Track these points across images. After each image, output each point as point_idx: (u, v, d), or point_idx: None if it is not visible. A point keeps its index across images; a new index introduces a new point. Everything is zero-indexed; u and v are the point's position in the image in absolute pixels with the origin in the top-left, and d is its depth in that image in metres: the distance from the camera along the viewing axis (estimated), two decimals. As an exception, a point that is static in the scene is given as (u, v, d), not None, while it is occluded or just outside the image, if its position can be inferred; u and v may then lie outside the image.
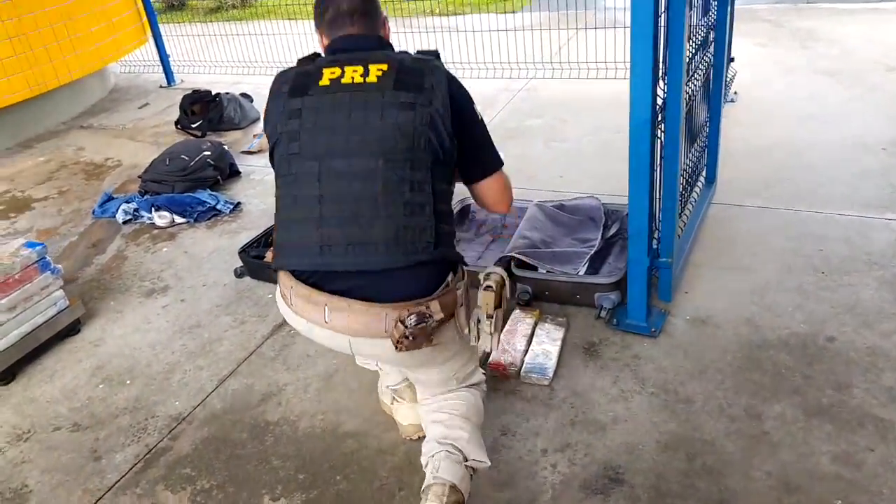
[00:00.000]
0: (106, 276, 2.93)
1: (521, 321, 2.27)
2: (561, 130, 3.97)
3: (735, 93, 4.09)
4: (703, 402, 1.95)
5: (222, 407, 2.13)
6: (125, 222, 3.34)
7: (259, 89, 5.25)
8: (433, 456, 1.58)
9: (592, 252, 2.49)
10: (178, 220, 3.28)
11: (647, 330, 2.21)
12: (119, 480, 1.89)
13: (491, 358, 2.13)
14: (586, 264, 2.44)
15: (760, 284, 2.42)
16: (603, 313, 2.28)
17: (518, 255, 2.43)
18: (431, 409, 1.69)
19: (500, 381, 2.09)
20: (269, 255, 2.77)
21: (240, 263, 2.80)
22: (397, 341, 1.43)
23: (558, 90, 4.59)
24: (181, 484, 1.87)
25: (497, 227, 2.92)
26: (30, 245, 2.35)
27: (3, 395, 2.26)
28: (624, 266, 2.39)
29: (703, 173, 2.94)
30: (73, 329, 2.52)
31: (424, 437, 1.71)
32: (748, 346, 2.14)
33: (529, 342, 2.18)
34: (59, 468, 1.95)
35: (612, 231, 2.67)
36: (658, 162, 2.14)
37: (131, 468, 1.93)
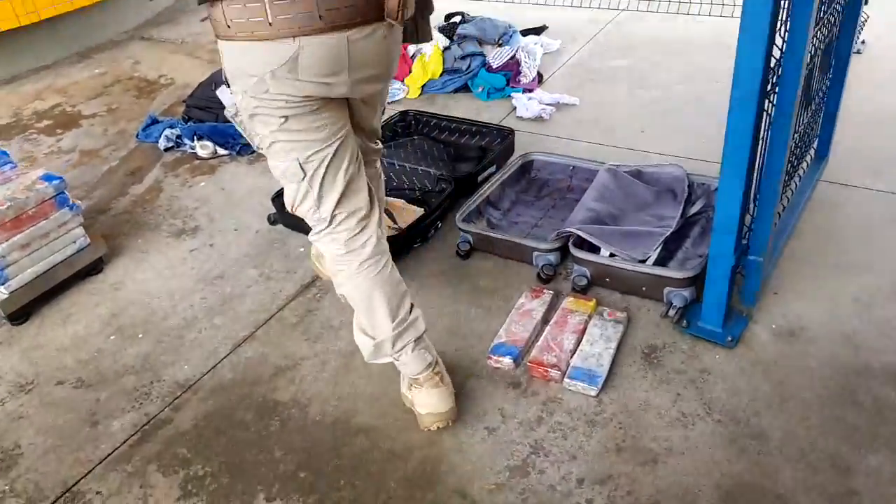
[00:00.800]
0: (138, 210, 2.77)
1: (572, 313, 1.95)
2: (649, 75, 3.46)
3: (863, 42, 3.43)
4: (780, 442, 1.61)
5: (232, 377, 1.95)
6: (167, 149, 3.16)
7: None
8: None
9: (668, 233, 2.11)
10: (221, 151, 3.07)
11: (722, 338, 1.86)
12: (112, 453, 1.75)
13: (532, 354, 1.84)
14: (659, 248, 2.07)
15: (870, 291, 1.99)
16: (671, 312, 1.92)
17: (579, 232, 2.08)
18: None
19: (540, 384, 1.80)
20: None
21: (274, 211, 2.57)
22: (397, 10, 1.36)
23: (652, 26, 4.02)
24: (174, 466, 1.71)
25: (562, 189, 2.55)
26: (47, 178, 2.17)
27: (15, 337, 2.16)
28: (703, 256, 2.01)
29: (814, 145, 2.44)
30: (95, 268, 2.38)
31: (444, 426, 1.68)
32: (845, 373, 1.76)
33: (579, 340, 1.87)
34: (54, 430, 1.83)
35: (696, 208, 2.26)
36: (763, 136, 1.71)
37: (126, 440, 1.78)
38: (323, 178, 1.52)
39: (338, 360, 1.96)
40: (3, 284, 2.11)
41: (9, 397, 1.95)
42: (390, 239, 2.28)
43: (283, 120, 1.44)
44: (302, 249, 2.44)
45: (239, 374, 1.96)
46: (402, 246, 2.33)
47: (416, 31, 1.66)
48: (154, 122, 3.33)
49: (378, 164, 1.91)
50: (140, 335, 2.13)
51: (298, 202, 1.58)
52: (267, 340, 2.06)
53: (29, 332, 2.17)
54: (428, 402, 1.66)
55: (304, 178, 1.52)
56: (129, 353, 2.07)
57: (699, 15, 3.92)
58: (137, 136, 3.30)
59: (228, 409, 1.85)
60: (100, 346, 2.10)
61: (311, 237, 1.65)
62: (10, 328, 2.18)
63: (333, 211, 1.56)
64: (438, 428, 1.68)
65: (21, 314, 2.19)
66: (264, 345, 2.05)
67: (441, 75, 3.48)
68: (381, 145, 1.89)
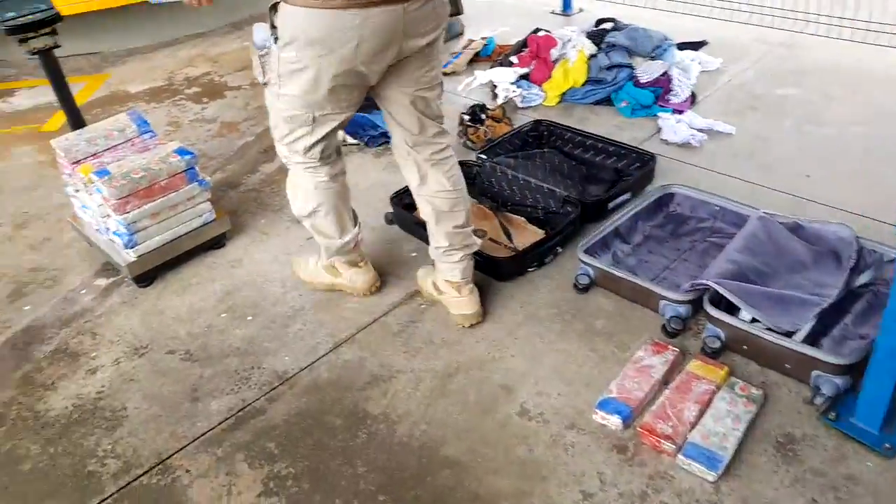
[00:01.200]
0: (266, 189, 2.82)
1: (698, 379, 1.74)
2: (823, 109, 3.08)
3: None
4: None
5: (328, 378, 1.92)
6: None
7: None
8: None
9: (826, 305, 1.84)
10: (350, 140, 3.07)
11: (877, 443, 1.58)
12: (206, 433, 1.77)
13: (644, 418, 1.66)
14: (813, 321, 1.80)
15: None
16: (818, 400, 1.67)
17: (717, 287, 1.85)
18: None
19: (649, 454, 1.62)
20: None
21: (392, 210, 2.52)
22: None
23: (832, 53, 3.58)
24: (260, 460, 1.70)
25: (704, 231, 2.31)
26: (180, 152, 2.24)
27: (139, 299, 2.25)
28: (867, 340, 1.73)
29: None
30: (217, 242, 2.44)
31: (478, 323, 2.01)
32: None
33: (702, 413, 1.66)
34: (158, 399, 1.88)
35: (863, 279, 1.96)
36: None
37: (221, 423, 1.80)
38: (325, 133, 1.76)
39: (433, 381, 1.88)
40: (132, 248, 2.20)
41: (124, 358, 2.03)
42: (504, 259, 2.18)
43: (320, 88, 1.62)
44: (414, 255, 2.37)
45: (335, 376, 1.92)
46: (516, 269, 2.20)
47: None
48: (294, 101, 3.39)
49: (451, 150, 1.96)
50: (249, 318, 2.15)
51: (289, 141, 1.79)
52: (366, 345, 2.01)
53: (150, 297, 2.26)
54: (361, 278, 2.12)
55: (310, 128, 1.74)
56: (237, 333, 2.09)
57: (888, 47, 3.44)
58: (277, 113, 3.37)
59: (320, 410, 1.82)
60: (211, 321, 2.15)
61: (285, 161, 1.89)
62: (136, 290, 2.29)
63: (320, 153, 1.82)
64: (472, 326, 2.02)
65: (146, 278, 2.28)
66: (363, 349, 2.00)
67: (583, 84, 3.28)
68: (444, 128, 1.93)
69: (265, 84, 1.72)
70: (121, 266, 2.25)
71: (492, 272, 2.20)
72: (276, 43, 1.61)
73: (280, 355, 2.01)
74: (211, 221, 2.37)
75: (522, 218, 2.38)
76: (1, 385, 1.96)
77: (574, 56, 3.32)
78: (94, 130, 2.27)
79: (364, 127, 3.03)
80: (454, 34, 4.09)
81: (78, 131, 2.28)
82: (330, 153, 1.87)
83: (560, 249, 2.29)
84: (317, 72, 1.60)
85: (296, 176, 1.92)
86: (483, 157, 2.68)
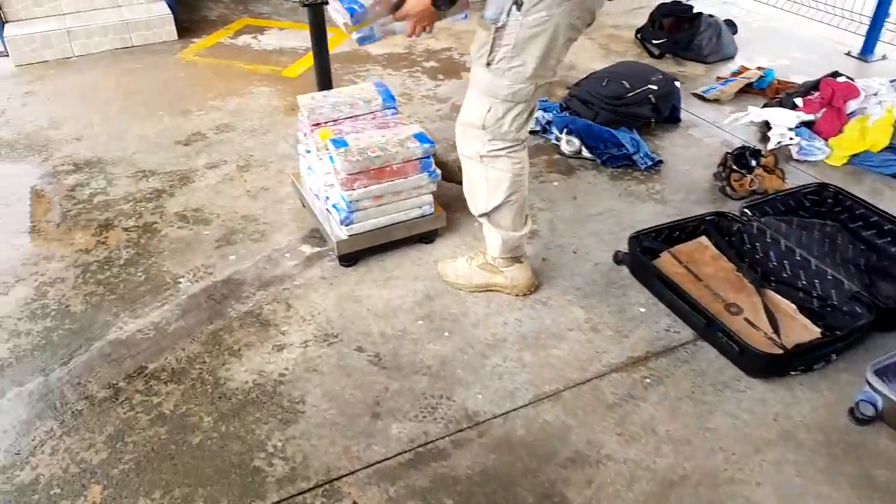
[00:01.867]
0: (485, 187, 2.58)
1: None
2: None
3: None
4: None
5: (523, 437, 1.63)
6: (532, 132, 2.93)
7: (750, 17, 4.25)
8: None
9: None
10: (585, 153, 2.74)
11: None
12: (381, 462, 1.56)
13: None
14: None
15: None
16: None
17: None
18: None
19: None
20: (664, 259, 2.08)
21: (625, 247, 2.17)
22: None
23: None
24: (433, 518, 1.46)
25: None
26: (420, 138, 2.04)
27: (339, 279, 2.11)
28: None
29: None
30: (428, 237, 2.24)
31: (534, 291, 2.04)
32: None
33: None
34: (338, 402, 1.71)
35: None
36: None
37: (399, 454, 1.58)
38: (535, 106, 1.75)
39: (651, 485, 1.52)
40: (347, 226, 2.05)
41: (313, 342, 1.89)
42: (766, 354, 1.75)
43: (556, 46, 1.60)
44: (643, 310, 2.01)
45: (531, 437, 1.63)
46: (779, 367, 1.76)
47: None
48: (530, 96, 3.12)
49: None
50: (446, 333, 1.92)
51: (502, 124, 1.71)
52: (573, 410, 1.70)
53: (350, 279, 2.11)
54: (522, 274, 2.02)
55: (528, 103, 1.69)
56: (431, 349, 1.87)
57: None
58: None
59: (509, 476, 1.54)
60: (406, 326, 1.94)
61: (485, 151, 1.77)
62: (337, 267, 2.15)
63: (526, 132, 1.78)
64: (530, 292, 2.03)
65: (350, 258, 2.14)
66: (569, 414, 1.69)
67: (882, 150, 2.67)
68: None
69: (487, 64, 1.64)
70: (329, 238, 2.11)
71: (744, 363, 1.78)
72: (519, 10, 1.55)
73: (473, 390, 1.75)
74: (429, 215, 2.17)
75: (792, 305, 1.92)
76: (191, 336, 1.90)
77: (878, 113, 2.72)
78: (340, 95, 2.13)
79: (606, 143, 2.69)
80: (726, 55, 3.58)
81: (325, 93, 2.16)
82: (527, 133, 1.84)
83: (836, 357, 1.81)
84: (555, 27, 1.58)
85: (487, 167, 1.81)
86: (748, 212, 2.23)
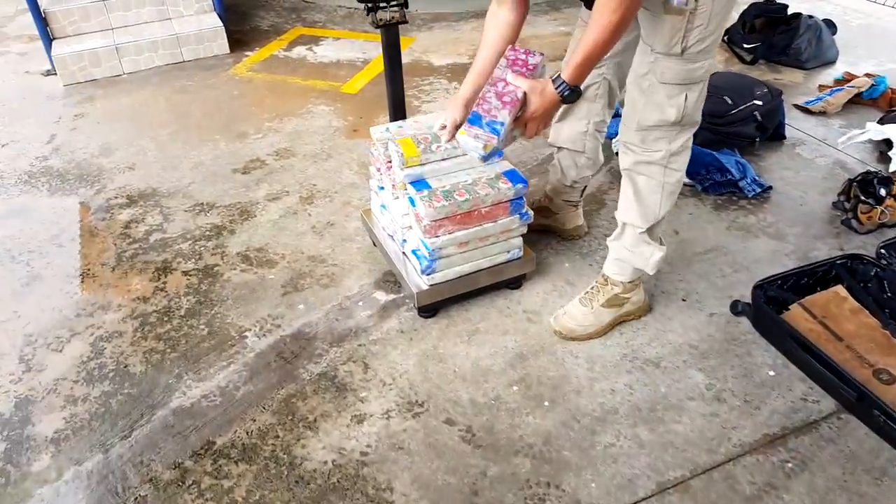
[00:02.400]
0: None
1: None
2: None
3: None
4: None
5: (649, 540, 1.39)
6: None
7: (847, 15, 3.87)
8: None
9: None
10: (686, 180, 2.45)
11: None
12: (485, 573, 1.34)
13: None
14: None
15: None
16: None
17: None
18: None
19: None
20: (795, 312, 1.80)
21: (740, 292, 1.89)
22: None
23: None
24: None
25: None
26: (512, 177, 1.80)
27: (419, 332, 1.89)
28: None
29: None
30: (515, 283, 2.01)
31: None
32: None
33: None
34: (430, 490, 1.49)
35: None
36: None
37: (505, 564, 1.36)
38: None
39: None
40: (428, 275, 1.83)
41: (396, 412, 1.67)
42: None
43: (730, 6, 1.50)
44: (772, 374, 1.74)
45: (657, 540, 1.39)
46: None
47: None
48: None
49: None
50: (546, 403, 1.68)
51: (699, 105, 1.58)
52: (704, 503, 1.45)
53: (432, 334, 1.88)
54: (641, 293, 1.89)
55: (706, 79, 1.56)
56: (530, 422, 1.64)
57: None
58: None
59: None
60: (500, 392, 1.71)
61: (676, 147, 1.61)
62: (416, 319, 1.93)
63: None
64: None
65: (430, 309, 1.92)
66: (701, 509, 1.44)
67: None
68: None
69: (682, 52, 1.48)
70: (407, 285, 1.89)
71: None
72: None
73: (584, 476, 1.51)
74: (517, 259, 1.94)
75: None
76: (261, 404, 1.71)
77: None
78: (418, 127, 1.90)
79: (708, 167, 2.40)
80: (827, 59, 3.24)
81: (400, 123, 1.93)
82: None
83: None
84: None
85: (666, 171, 1.64)
86: (884, 252, 1.93)
